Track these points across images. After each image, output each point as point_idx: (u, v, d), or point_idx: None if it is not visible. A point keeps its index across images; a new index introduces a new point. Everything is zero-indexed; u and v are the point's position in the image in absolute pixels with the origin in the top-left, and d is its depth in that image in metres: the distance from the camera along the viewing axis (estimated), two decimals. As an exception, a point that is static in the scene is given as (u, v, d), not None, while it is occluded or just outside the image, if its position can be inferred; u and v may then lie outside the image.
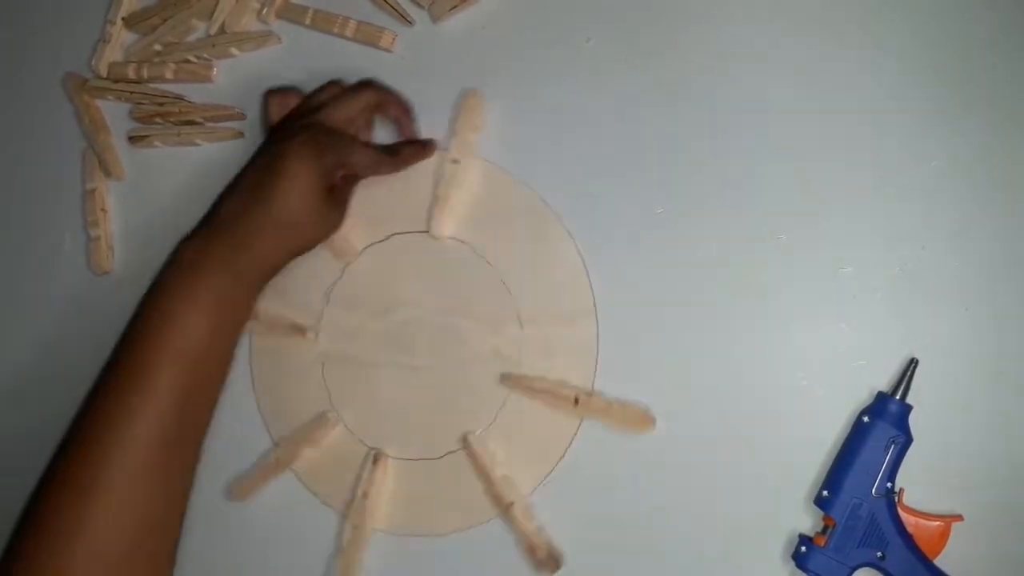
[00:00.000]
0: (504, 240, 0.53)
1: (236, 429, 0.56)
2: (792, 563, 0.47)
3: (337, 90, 0.53)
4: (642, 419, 0.50)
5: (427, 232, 0.53)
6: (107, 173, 0.60)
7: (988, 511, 0.46)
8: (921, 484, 0.46)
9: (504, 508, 0.51)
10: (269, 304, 0.55)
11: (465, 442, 0.52)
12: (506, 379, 0.52)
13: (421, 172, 0.53)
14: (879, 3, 0.49)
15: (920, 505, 0.46)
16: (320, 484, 0.55)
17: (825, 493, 0.46)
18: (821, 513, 0.47)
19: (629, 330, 0.51)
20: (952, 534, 0.45)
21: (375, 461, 0.53)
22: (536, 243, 0.52)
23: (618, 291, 0.51)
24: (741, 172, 0.50)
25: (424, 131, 0.54)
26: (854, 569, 0.46)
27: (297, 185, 0.46)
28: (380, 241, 0.54)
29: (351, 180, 0.53)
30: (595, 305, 0.51)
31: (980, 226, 0.47)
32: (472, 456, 0.52)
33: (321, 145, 0.48)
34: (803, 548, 0.47)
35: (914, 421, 0.46)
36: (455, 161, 0.52)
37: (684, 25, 0.51)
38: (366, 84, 0.53)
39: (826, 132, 0.49)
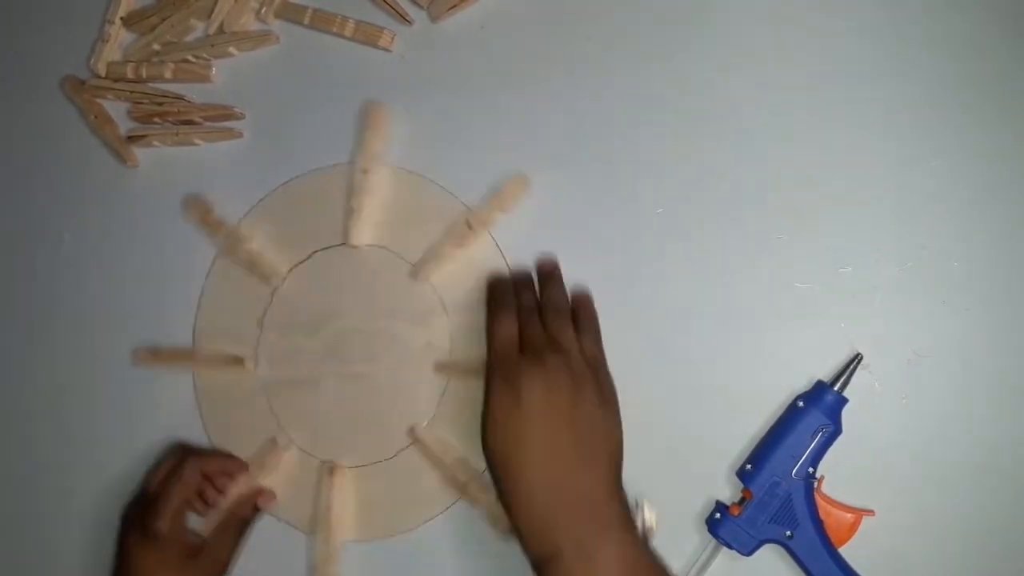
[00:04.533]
0: (422, 238, 0.53)
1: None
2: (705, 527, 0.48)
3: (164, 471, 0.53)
4: None
5: (345, 244, 0.54)
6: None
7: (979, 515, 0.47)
8: (930, 486, 0.47)
9: (462, 488, 0.52)
10: (204, 341, 0.56)
11: (413, 435, 0.53)
12: (441, 367, 0.53)
13: (334, 188, 0.54)
14: (879, 4, 0.48)
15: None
16: (283, 509, 0.55)
17: (748, 467, 0.47)
18: (741, 485, 0.47)
19: (627, 329, 0.50)
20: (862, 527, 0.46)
21: (331, 473, 0.54)
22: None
23: (617, 290, 0.51)
24: (741, 172, 0.50)
25: (413, 125, 0.54)
26: (762, 543, 0.46)
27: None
28: (303, 260, 0.55)
29: (217, 538, 0.54)
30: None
31: (980, 226, 0.47)
32: (423, 447, 0.53)
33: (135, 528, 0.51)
34: (717, 515, 0.47)
35: (912, 420, 0.46)
36: (364, 171, 0.53)
37: (684, 25, 0.51)
38: (178, 453, 0.54)
39: (826, 132, 0.49)
